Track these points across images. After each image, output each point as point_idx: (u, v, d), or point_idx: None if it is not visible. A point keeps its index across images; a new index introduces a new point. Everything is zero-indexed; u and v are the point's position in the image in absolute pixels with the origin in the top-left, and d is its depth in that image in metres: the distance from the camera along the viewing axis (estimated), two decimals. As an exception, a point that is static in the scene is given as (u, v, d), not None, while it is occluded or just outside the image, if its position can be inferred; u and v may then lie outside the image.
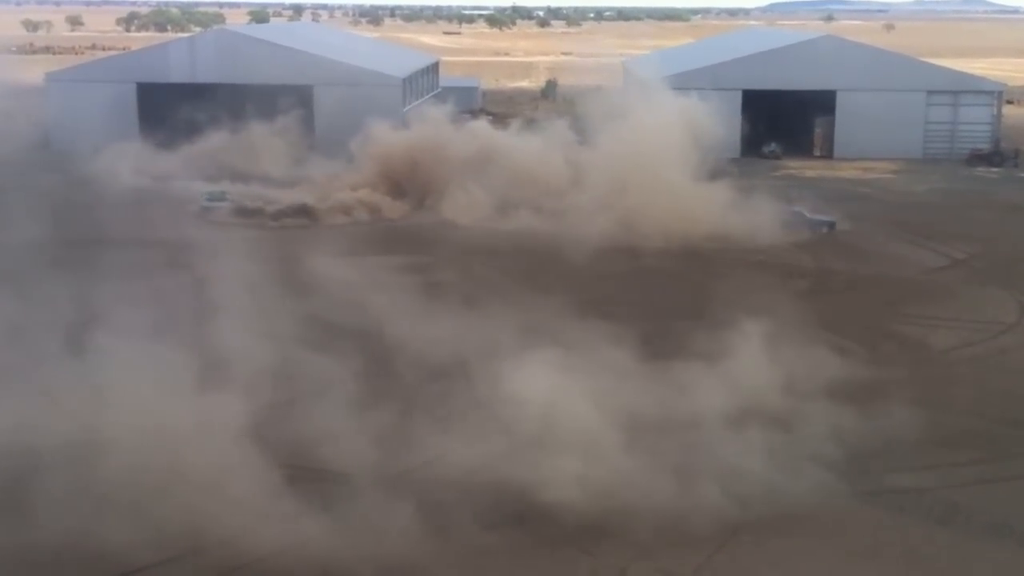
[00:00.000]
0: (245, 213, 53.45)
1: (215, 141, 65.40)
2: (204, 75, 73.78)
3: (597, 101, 58.46)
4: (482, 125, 65.70)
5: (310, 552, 21.85)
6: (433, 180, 56.46)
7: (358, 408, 27.13)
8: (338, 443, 25.71)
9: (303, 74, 72.82)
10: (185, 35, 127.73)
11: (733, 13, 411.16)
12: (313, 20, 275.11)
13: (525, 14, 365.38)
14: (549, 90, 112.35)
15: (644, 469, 24.85)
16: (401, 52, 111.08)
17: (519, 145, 57.99)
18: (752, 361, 30.62)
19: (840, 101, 75.91)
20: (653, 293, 41.73)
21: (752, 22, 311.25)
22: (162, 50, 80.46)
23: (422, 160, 57.66)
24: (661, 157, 51.79)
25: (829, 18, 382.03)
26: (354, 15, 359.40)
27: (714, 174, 54.16)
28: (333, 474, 24.99)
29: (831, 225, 52.60)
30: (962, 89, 77.11)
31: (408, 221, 54.46)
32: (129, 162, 61.77)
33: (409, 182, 57.30)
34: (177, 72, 74.99)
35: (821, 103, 75.72)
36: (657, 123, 54.12)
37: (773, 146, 74.64)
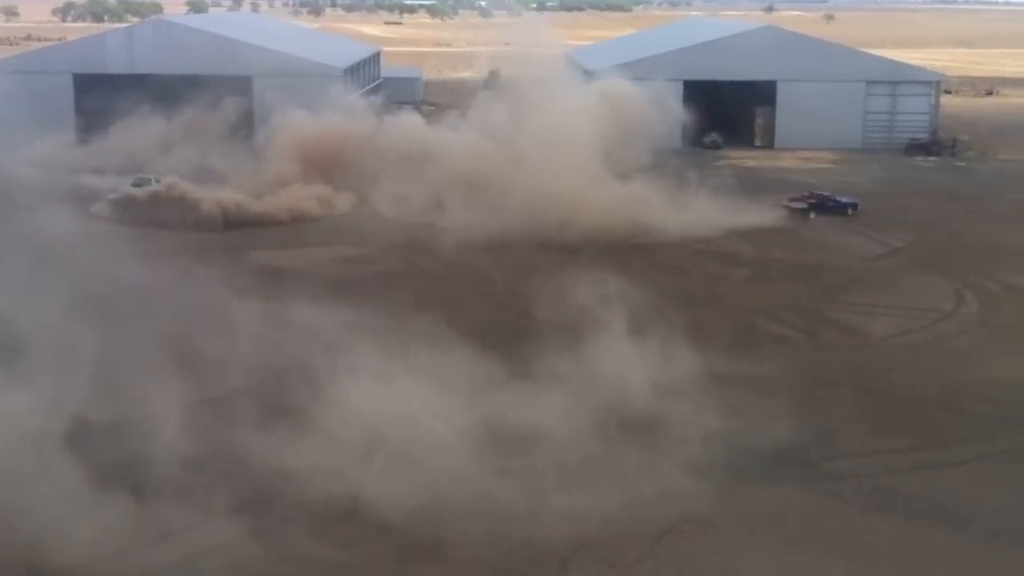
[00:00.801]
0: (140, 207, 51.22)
1: (148, 133, 64.32)
2: (142, 66, 72.75)
3: (522, 91, 57.65)
4: (412, 117, 64.46)
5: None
6: (356, 173, 55.20)
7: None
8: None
9: (242, 65, 71.95)
10: (123, 25, 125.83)
11: (675, 3, 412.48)
12: (252, 10, 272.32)
13: (467, 4, 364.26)
14: (492, 81, 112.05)
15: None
16: (342, 42, 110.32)
17: (448, 137, 56.85)
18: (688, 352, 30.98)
19: (780, 91, 76.53)
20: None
21: (694, 12, 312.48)
22: (99, 40, 79.29)
23: (342, 152, 56.48)
24: (582, 148, 51.09)
25: (770, 8, 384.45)
26: (294, 5, 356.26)
27: (650, 165, 54.16)
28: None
29: (855, 206, 54.75)
30: (900, 79, 78.08)
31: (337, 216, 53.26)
32: (54, 154, 60.43)
33: (329, 174, 55.68)
34: (114, 63, 73.95)
35: (762, 93, 76.29)
36: (580, 115, 53.39)
37: (714, 136, 75.05)
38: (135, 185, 53.90)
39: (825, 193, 56.11)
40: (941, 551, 22.73)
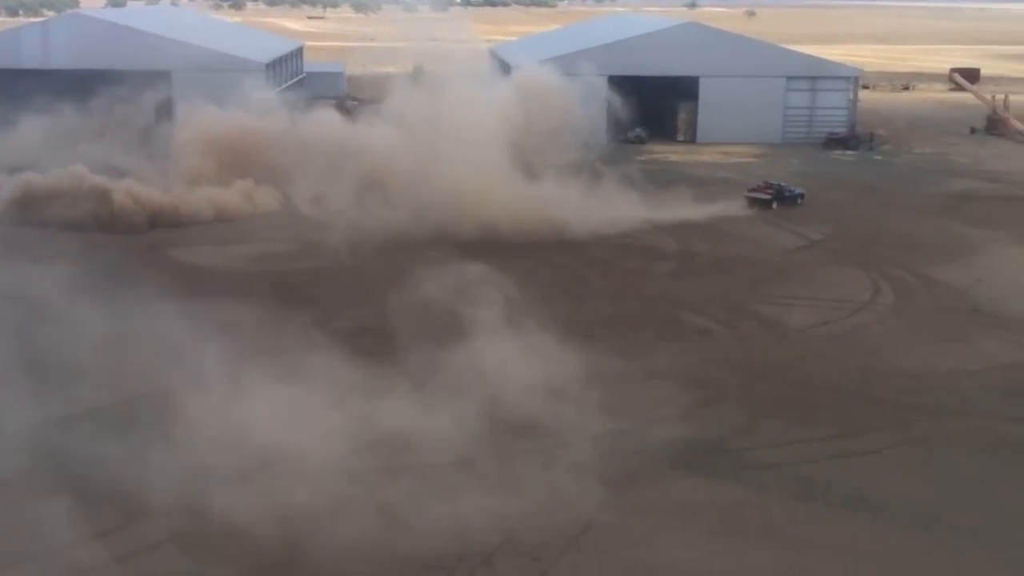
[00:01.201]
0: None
1: (59, 128, 62.68)
2: (58, 60, 71.47)
3: (436, 86, 57.16)
4: (328, 113, 62.61)
5: None
6: (271, 170, 53.76)
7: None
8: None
9: (161, 59, 70.98)
10: (38, 19, 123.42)
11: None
12: (172, 4, 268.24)
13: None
14: (416, 76, 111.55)
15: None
16: (264, 37, 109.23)
17: (364, 133, 55.34)
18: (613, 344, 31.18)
19: (703, 87, 77.31)
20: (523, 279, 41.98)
21: (618, 8, 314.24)
22: (13, 35, 77.68)
23: (256, 149, 54.99)
24: (495, 144, 50.44)
25: (692, 5, 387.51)
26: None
27: (571, 160, 54.31)
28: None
29: (802, 196, 56.59)
30: (820, 75, 79.18)
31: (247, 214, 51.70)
32: None
33: (243, 172, 53.88)
34: (29, 58, 72.52)
35: (685, 89, 76.99)
36: (494, 110, 52.97)
37: (638, 131, 75.59)
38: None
39: (782, 184, 57.54)
40: (859, 538, 23.16)
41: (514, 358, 29.73)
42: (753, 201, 55.11)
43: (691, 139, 77.30)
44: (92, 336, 30.26)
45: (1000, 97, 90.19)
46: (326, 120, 58.51)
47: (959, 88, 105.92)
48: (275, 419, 25.83)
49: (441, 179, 47.86)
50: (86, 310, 31.50)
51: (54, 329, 31.15)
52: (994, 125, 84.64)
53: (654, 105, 75.58)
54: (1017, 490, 25.32)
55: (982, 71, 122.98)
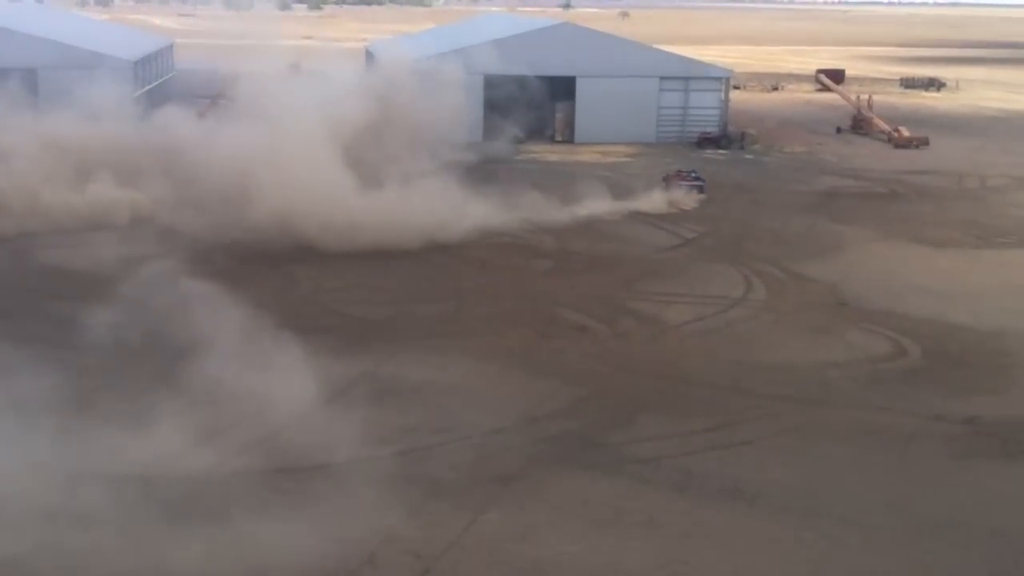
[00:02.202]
0: None
1: None
2: (-87, 57, 68.84)
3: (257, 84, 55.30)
4: (177, 114, 58.59)
5: None
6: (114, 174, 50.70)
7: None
8: None
9: (26, 57, 68.96)
10: None
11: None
12: (37, 1, 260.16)
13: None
14: (292, 73, 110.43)
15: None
16: (133, 34, 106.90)
17: (207, 136, 52.16)
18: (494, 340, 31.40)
19: (579, 87, 78.30)
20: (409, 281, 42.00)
21: (494, 8, 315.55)
22: None
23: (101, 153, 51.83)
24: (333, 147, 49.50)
25: (567, 5, 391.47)
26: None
27: (443, 161, 54.35)
28: None
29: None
30: (692, 75, 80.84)
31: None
32: None
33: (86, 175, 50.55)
34: None
35: (562, 89, 77.80)
36: (342, 111, 52.18)
37: (515, 131, 76.00)
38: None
39: (694, 172, 60.67)
40: (736, 526, 23.80)
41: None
42: (689, 188, 57.66)
43: (569, 139, 78.19)
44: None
45: (864, 97, 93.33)
46: (173, 122, 55.61)
47: (825, 88, 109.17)
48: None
49: (291, 185, 45.82)
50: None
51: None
52: (859, 125, 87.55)
53: (532, 105, 76.20)
54: (883, 476, 26.30)
55: (847, 72, 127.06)
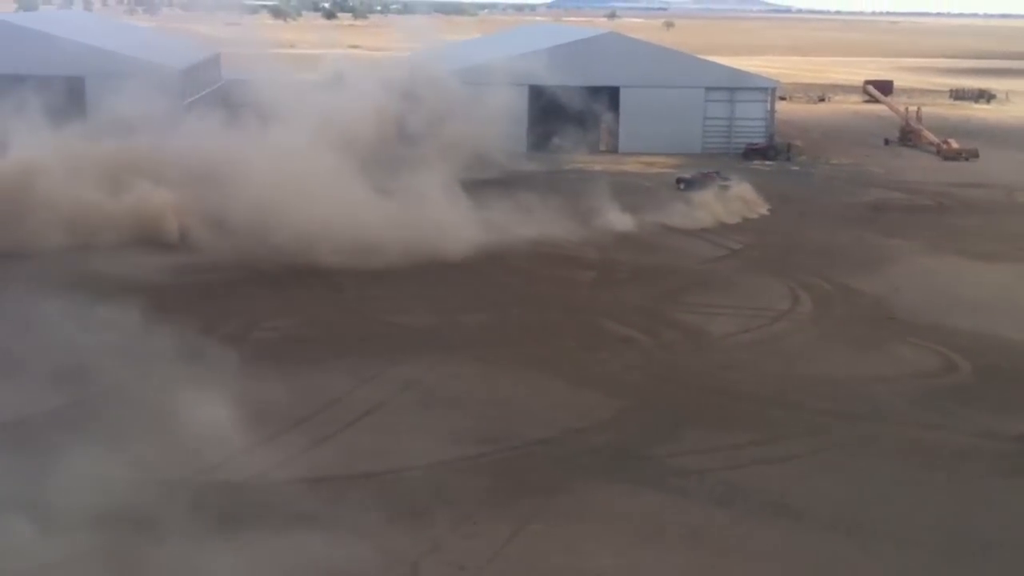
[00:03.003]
0: None
1: None
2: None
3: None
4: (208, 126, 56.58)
5: None
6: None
7: None
8: None
9: (73, 65, 69.80)
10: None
11: (519, 8, 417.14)
12: (85, 9, 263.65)
13: (311, 6, 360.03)
14: (336, 83, 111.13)
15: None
16: (180, 42, 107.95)
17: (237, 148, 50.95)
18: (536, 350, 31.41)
19: (624, 97, 78.21)
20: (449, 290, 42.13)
21: (538, 18, 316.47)
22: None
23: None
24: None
25: (612, 15, 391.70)
26: (129, 4, 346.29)
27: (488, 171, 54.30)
28: None
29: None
30: (738, 86, 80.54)
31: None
32: None
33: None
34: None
35: (606, 99, 77.74)
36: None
37: (559, 141, 76.09)
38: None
39: (718, 172, 63.08)
40: (780, 542, 23.63)
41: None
42: (722, 187, 58.68)
43: (613, 149, 78.12)
44: None
45: (913, 109, 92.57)
46: (207, 134, 54.49)
47: (873, 100, 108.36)
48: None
49: (316, 198, 45.32)
50: None
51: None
52: (907, 137, 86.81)
53: (576, 115, 76.31)
54: (930, 494, 26.01)
55: (895, 83, 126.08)
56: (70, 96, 66.72)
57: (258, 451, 26.60)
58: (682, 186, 62.08)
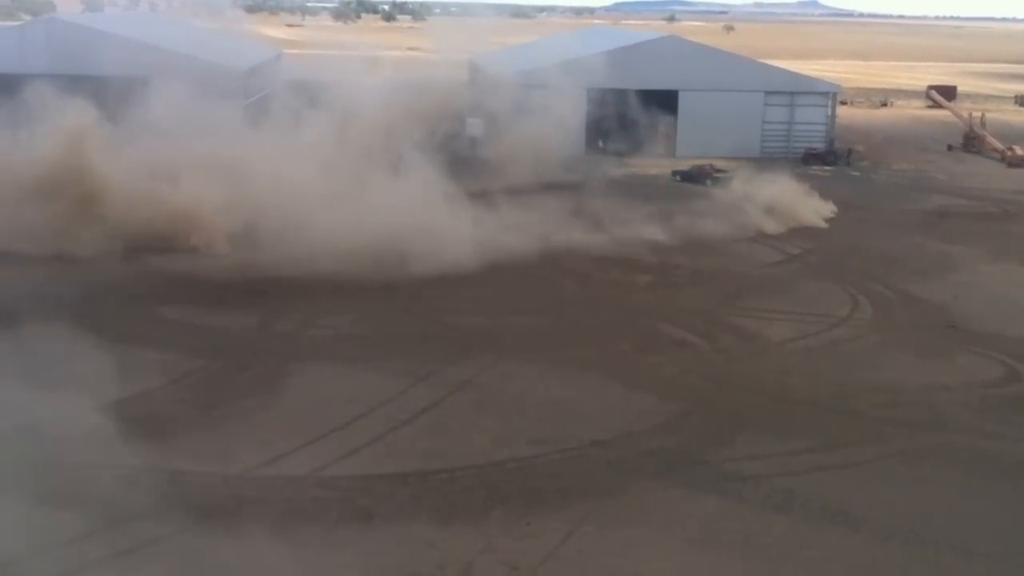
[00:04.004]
0: None
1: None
2: (34, 65, 70.97)
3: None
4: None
5: None
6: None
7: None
8: None
9: (139, 65, 70.61)
10: (14, 23, 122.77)
11: (578, 11, 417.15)
12: (151, 10, 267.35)
13: (370, 8, 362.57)
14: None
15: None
16: (243, 43, 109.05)
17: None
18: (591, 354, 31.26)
19: (682, 100, 77.81)
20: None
21: (597, 21, 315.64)
22: (-11, 39, 77.28)
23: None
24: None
25: (671, 18, 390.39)
26: (194, 5, 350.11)
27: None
28: None
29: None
30: (798, 90, 79.84)
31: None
32: None
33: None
34: (4, 61, 72.09)
35: (664, 102, 77.41)
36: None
37: (617, 144, 75.93)
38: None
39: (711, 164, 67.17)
40: (837, 551, 23.31)
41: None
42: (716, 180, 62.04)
43: (671, 153, 77.71)
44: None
45: (977, 115, 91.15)
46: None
47: (936, 105, 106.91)
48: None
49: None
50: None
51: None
52: (971, 142, 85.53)
53: (633, 119, 76.08)
54: (994, 504, 25.55)
55: (959, 88, 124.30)
56: (130, 96, 67.67)
57: (312, 448, 26.79)
58: (678, 178, 67.51)
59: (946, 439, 29.20)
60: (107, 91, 63.81)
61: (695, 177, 66.65)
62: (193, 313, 37.27)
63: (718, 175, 64.70)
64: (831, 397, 31.81)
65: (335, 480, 25.25)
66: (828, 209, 57.14)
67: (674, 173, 67.50)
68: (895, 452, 28.25)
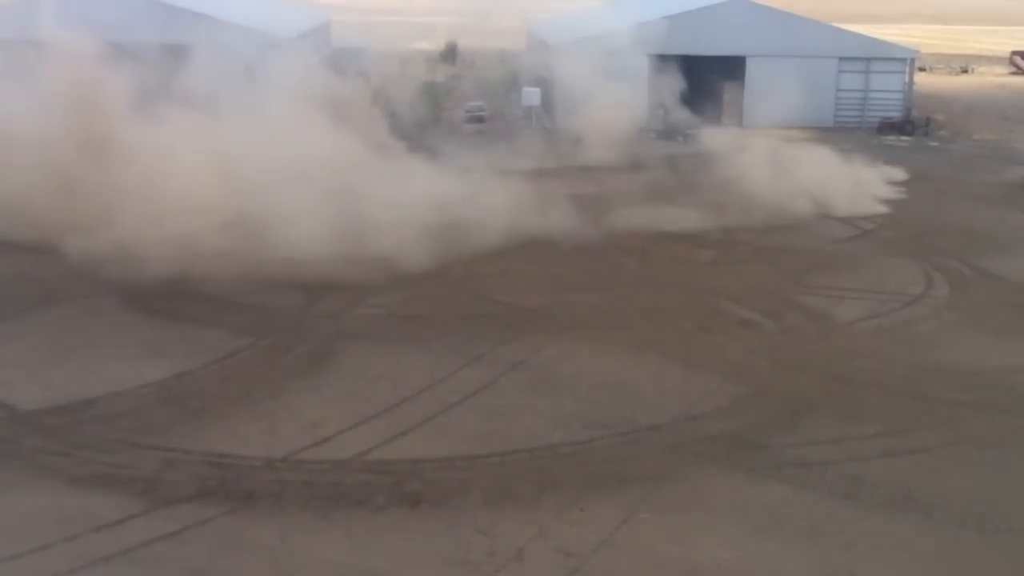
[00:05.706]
0: None
1: None
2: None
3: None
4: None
5: None
6: None
7: None
8: None
9: (181, 32, 71.19)
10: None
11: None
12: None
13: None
14: (448, 53, 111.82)
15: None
16: (290, 10, 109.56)
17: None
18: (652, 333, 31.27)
19: (750, 67, 77.11)
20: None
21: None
22: (29, 5, 78.20)
23: None
24: None
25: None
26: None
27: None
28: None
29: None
30: (874, 56, 78.78)
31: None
32: None
33: None
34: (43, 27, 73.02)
35: (731, 69, 76.76)
36: None
37: (684, 115, 75.25)
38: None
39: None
40: (907, 538, 23.26)
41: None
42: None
43: (737, 123, 77.08)
44: None
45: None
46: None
47: (1021, 71, 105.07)
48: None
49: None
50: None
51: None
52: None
53: (698, 87, 75.50)
54: (1073, 493, 25.34)
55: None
56: (175, 64, 68.28)
57: (361, 430, 27.13)
58: (654, 135, 71.37)
59: (1023, 423, 28.93)
60: (148, 59, 64.42)
61: (666, 134, 71.38)
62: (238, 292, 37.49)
63: (689, 133, 69.93)
64: (902, 380, 31.58)
65: (382, 463, 25.57)
66: (887, 190, 55.68)
67: (650, 131, 71.09)
68: (969, 437, 28.05)
